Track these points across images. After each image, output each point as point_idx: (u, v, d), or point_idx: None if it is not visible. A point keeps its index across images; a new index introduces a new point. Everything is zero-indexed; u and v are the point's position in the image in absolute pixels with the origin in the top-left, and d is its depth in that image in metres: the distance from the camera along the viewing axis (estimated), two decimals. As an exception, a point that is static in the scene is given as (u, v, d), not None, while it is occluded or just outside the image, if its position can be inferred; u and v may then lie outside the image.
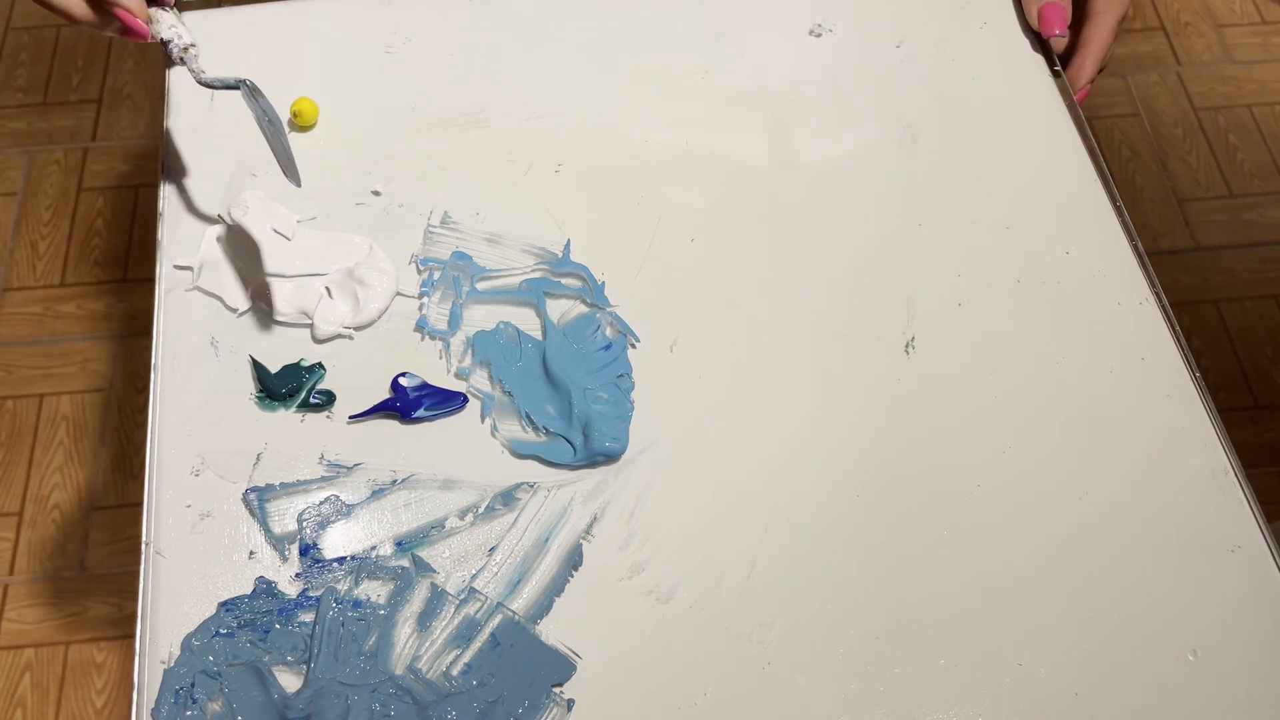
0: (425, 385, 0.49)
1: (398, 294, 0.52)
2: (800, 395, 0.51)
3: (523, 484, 0.48)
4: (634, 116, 0.59)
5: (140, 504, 0.47)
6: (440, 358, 0.51)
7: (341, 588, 0.45)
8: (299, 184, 0.52)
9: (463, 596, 0.45)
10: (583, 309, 0.52)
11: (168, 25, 0.54)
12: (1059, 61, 0.61)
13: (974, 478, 0.48)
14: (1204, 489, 0.48)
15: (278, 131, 0.51)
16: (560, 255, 0.53)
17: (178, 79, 0.59)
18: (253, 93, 0.51)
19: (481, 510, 0.47)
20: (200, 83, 0.53)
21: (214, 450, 0.48)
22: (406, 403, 0.49)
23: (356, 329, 0.51)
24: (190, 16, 0.61)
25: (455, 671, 0.44)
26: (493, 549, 0.46)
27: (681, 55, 0.61)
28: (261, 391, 0.49)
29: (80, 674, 1.10)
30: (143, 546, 0.46)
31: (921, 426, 0.50)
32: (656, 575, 0.46)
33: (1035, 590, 0.46)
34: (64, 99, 1.47)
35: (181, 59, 0.54)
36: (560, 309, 0.52)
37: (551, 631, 0.45)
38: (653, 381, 0.50)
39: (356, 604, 0.45)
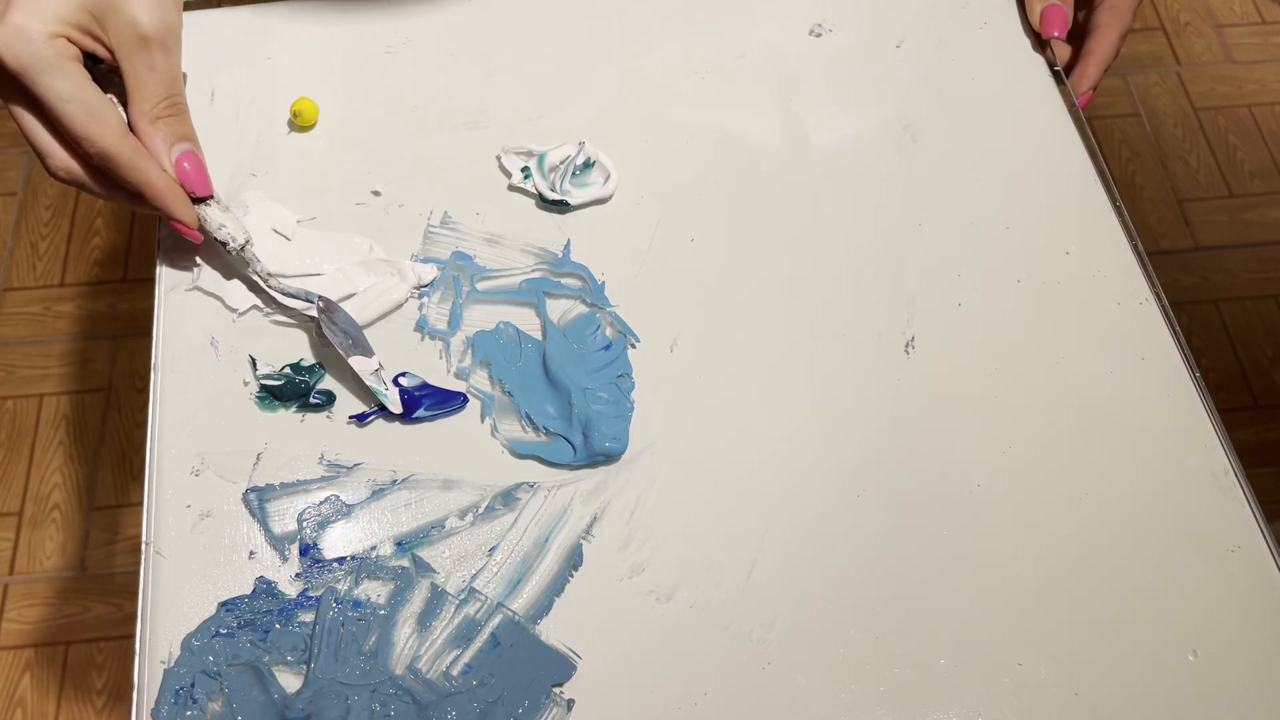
0: (425, 385, 0.49)
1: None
2: (800, 395, 0.51)
3: (523, 484, 0.48)
4: (633, 116, 0.59)
5: (140, 504, 0.47)
6: (440, 358, 0.51)
7: (341, 588, 0.45)
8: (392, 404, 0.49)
9: (463, 596, 0.45)
10: (583, 309, 0.52)
11: (216, 225, 0.49)
12: (1063, 71, 0.61)
13: (974, 478, 0.48)
14: (1204, 489, 0.48)
15: (359, 346, 0.49)
16: (560, 255, 0.53)
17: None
18: (328, 311, 0.49)
19: (481, 510, 0.47)
20: (269, 287, 0.50)
21: (214, 450, 0.48)
22: (407, 403, 0.49)
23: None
24: (190, 16, 0.61)
25: (455, 671, 0.44)
26: (493, 549, 0.46)
27: (680, 56, 0.61)
28: (261, 391, 0.49)
29: (80, 674, 1.11)
30: (143, 546, 0.46)
31: (921, 426, 0.50)
32: (656, 575, 0.46)
33: (1035, 590, 0.46)
34: (64, 99, 1.47)
35: (240, 256, 0.50)
36: (560, 309, 0.52)
37: (551, 631, 0.45)
38: (653, 381, 0.50)
39: (356, 604, 0.45)
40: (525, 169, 0.55)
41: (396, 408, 0.48)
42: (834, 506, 0.48)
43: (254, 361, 0.50)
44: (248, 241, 0.50)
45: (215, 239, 0.50)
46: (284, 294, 0.50)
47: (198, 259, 0.52)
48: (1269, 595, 0.46)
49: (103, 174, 0.48)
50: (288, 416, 0.49)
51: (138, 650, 0.44)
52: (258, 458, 0.48)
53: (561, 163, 0.55)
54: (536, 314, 0.52)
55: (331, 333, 0.49)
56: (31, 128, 0.47)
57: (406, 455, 0.48)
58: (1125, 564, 0.47)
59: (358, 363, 0.49)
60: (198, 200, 0.49)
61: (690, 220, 0.55)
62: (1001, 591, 0.46)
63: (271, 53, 0.60)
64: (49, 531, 1.18)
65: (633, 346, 0.51)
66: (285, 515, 0.47)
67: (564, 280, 0.53)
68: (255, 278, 0.50)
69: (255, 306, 0.51)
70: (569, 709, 0.43)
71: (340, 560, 0.46)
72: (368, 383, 0.48)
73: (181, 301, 0.52)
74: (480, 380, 0.50)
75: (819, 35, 0.62)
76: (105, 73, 0.48)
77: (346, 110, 0.58)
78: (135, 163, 0.47)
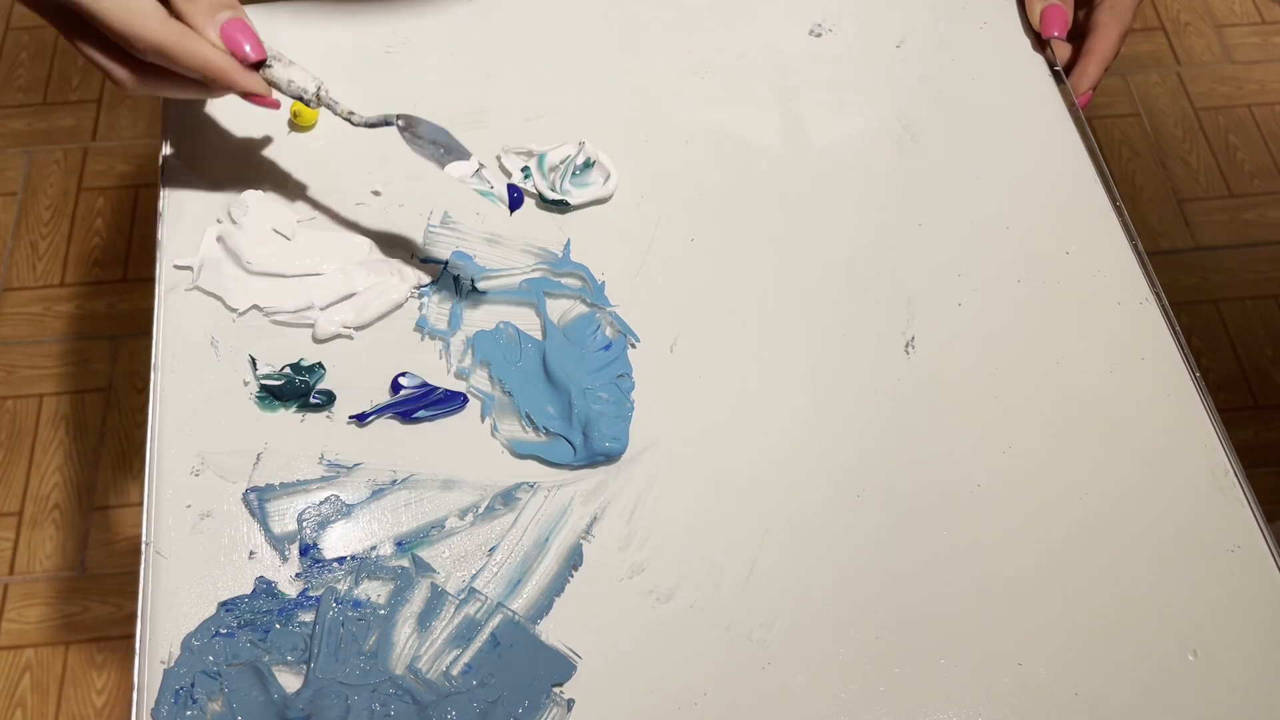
0: (425, 385, 0.49)
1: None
2: (800, 395, 0.51)
3: (523, 484, 0.48)
4: (633, 116, 0.59)
5: (140, 504, 0.47)
6: (440, 358, 0.51)
7: (341, 588, 0.45)
8: (467, 156, 0.48)
9: (463, 596, 0.45)
10: (583, 309, 0.52)
11: (285, 83, 0.49)
12: (1063, 71, 0.61)
13: (974, 478, 0.48)
14: (1204, 489, 0.48)
15: (453, 151, 0.48)
16: (560, 255, 0.53)
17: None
18: (410, 128, 0.48)
19: (481, 510, 0.47)
20: (354, 124, 0.49)
21: (214, 450, 0.48)
22: (407, 402, 0.49)
23: (357, 329, 0.51)
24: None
25: (455, 671, 0.44)
26: (493, 549, 0.46)
27: (681, 55, 0.61)
28: (261, 391, 0.49)
29: (80, 674, 1.10)
30: (143, 546, 0.46)
31: (921, 427, 0.50)
32: (656, 575, 0.46)
33: (1035, 590, 0.46)
34: (64, 99, 1.47)
35: (319, 102, 0.49)
36: (560, 309, 0.52)
37: (551, 631, 0.45)
38: (653, 381, 0.50)
39: (356, 604, 0.45)
40: (525, 169, 0.55)
41: (505, 207, 0.48)
42: (834, 507, 0.48)
43: (254, 361, 0.50)
44: (320, 87, 0.49)
45: (288, 96, 0.49)
46: (367, 126, 0.50)
47: (198, 258, 0.52)
48: (1269, 595, 0.46)
49: (169, 73, 0.47)
50: (288, 416, 0.49)
51: (138, 650, 0.44)
52: (258, 458, 0.48)
53: (561, 163, 0.55)
54: (536, 314, 0.52)
55: (419, 148, 0.48)
56: (92, 53, 0.47)
57: (406, 455, 0.48)
58: (1125, 564, 0.47)
59: (455, 169, 0.48)
60: (257, 65, 0.48)
61: (690, 220, 0.55)
62: (1001, 592, 0.46)
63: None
64: (49, 531, 1.18)
65: (633, 346, 0.51)
66: (285, 515, 0.47)
67: (564, 280, 0.53)
68: (338, 117, 0.50)
69: (255, 306, 0.51)
70: (569, 709, 0.43)
71: (340, 560, 0.46)
72: (471, 186, 0.48)
73: (181, 301, 0.52)
74: (480, 380, 0.50)
75: (819, 35, 0.62)
76: None
77: (346, 110, 0.58)
78: (185, 45, 0.46)
